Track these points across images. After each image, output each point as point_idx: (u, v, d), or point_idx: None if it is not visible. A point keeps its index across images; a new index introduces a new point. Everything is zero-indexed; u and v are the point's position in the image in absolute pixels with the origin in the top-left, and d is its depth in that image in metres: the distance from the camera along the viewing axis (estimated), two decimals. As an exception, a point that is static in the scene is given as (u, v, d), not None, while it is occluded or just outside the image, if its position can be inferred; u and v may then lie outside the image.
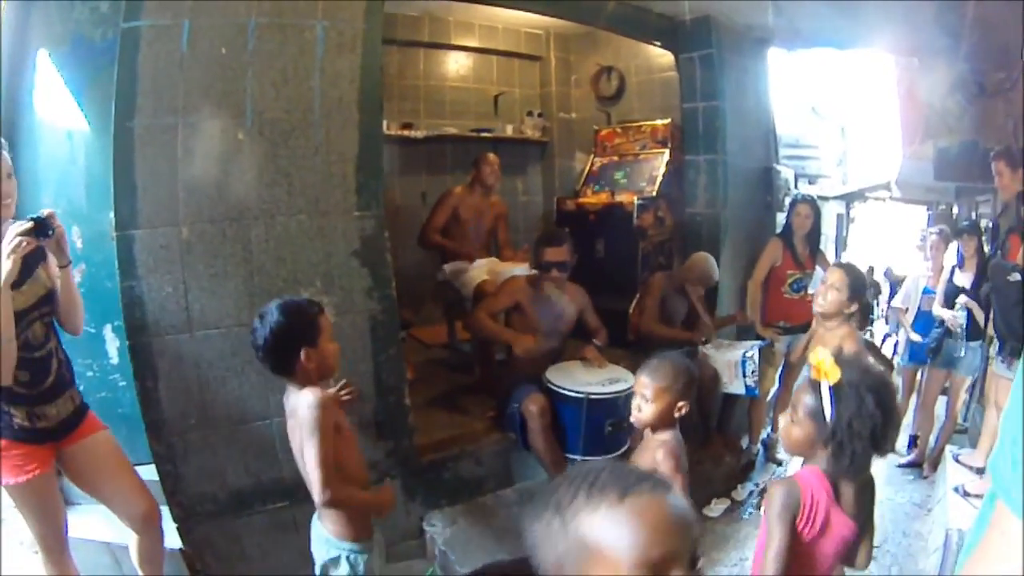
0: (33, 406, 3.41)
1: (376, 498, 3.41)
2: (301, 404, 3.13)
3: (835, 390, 2.68)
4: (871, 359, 2.98)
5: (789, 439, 2.92)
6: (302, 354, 3.18)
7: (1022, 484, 0.98)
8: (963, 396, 7.26)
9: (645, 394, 3.56)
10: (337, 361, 3.41)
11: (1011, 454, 1.02)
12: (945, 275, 7.31)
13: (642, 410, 3.58)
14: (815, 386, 2.75)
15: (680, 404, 3.56)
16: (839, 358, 2.73)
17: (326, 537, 3.34)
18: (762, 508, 2.89)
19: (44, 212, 3.31)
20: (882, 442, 2.69)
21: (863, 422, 2.62)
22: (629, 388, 5.07)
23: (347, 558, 3.32)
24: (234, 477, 4.39)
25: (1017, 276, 5.19)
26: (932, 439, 7.38)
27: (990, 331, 6.21)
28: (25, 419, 3.39)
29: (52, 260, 3.49)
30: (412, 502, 5.09)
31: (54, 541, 3.61)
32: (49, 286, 3.49)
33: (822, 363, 2.71)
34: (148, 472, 4.24)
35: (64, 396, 3.54)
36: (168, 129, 4.06)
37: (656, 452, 3.55)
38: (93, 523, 4.22)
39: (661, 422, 3.58)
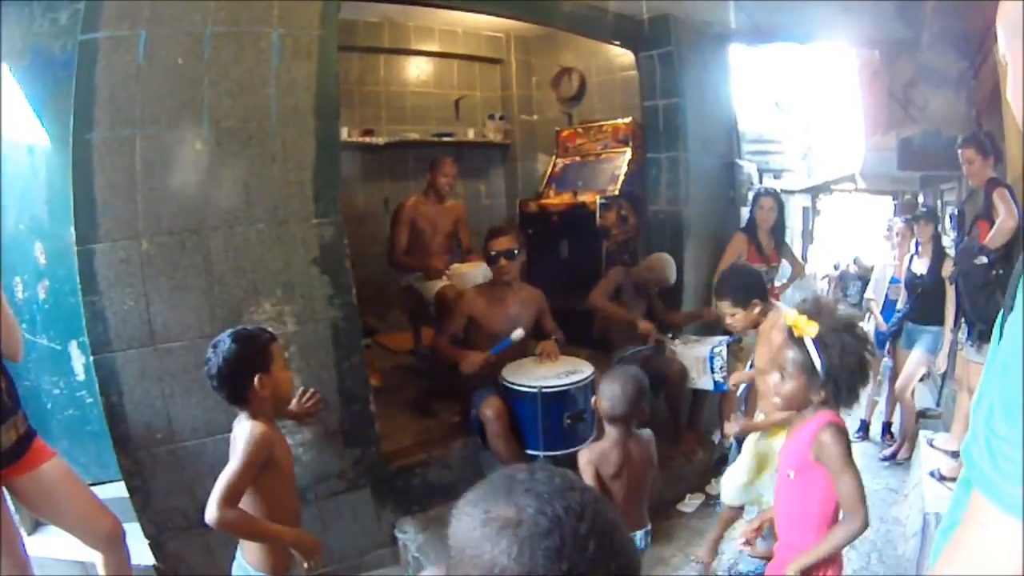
0: None
1: (289, 533, 3.33)
2: (243, 432, 3.16)
3: (818, 340, 2.87)
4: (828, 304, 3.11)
5: (783, 395, 3.04)
6: (256, 381, 3.21)
7: (996, 471, 0.99)
8: (918, 375, 7.29)
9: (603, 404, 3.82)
10: (291, 390, 3.45)
11: (985, 442, 1.02)
12: (907, 262, 7.37)
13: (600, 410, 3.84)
14: (798, 342, 2.93)
15: (644, 412, 3.82)
16: (807, 312, 2.89)
17: (242, 563, 3.34)
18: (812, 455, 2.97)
19: None
20: (866, 370, 2.95)
21: (849, 357, 2.87)
22: (585, 379, 5.16)
23: None
24: (203, 491, 4.29)
25: (984, 260, 5.23)
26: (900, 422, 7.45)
27: (951, 316, 6.26)
28: None
29: None
30: (383, 509, 5.08)
31: (13, 568, 3.54)
32: None
33: (797, 322, 2.92)
34: (118, 489, 4.22)
35: (6, 424, 3.41)
36: (126, 141, 4.03)
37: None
38: (65, 544, 4.17)
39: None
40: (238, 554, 3.38)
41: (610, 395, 3.78)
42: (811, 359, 2.89)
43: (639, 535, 3.91)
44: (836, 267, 16.57)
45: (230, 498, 3.07)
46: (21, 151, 4.61)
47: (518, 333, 5.44)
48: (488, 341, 5.57)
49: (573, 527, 1.18)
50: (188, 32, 4.14)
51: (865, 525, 2.92)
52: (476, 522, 1.23)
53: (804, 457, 2.97)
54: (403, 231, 7.29)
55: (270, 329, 3.54)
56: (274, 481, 3.28)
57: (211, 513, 3.06)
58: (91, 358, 4.08)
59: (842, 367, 2.85)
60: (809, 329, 2.85)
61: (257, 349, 3.25)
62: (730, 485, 4.64)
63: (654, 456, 3.98)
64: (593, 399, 4.00)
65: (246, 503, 3.18)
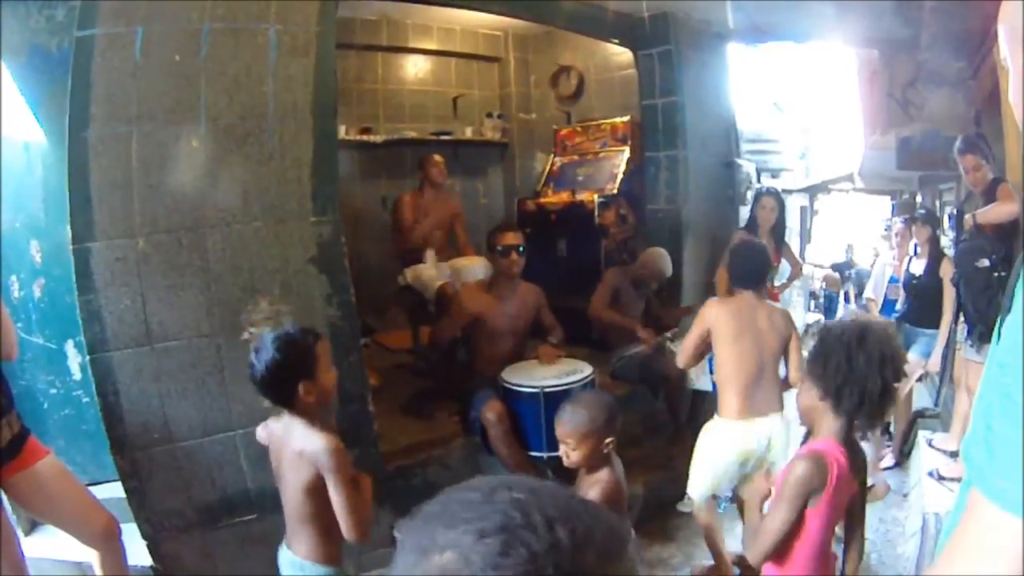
0: None
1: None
2: (316, 448, 3.13)
3: (821, 344, 2.84)
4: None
5: (802, 410, 3.01)
6: (300, 388, 3.17)
7: (995, 470, 0.97)
8: (914, 378, 7.28)
9: (568, 443, 3.57)
10: (334, 388, 3.41)
11: (984, 440, 1.00)
12: (906, 263, 7.37)
13: (570, 456, 3.58)
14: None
15: (607, 441, 3.57)
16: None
17: (299, 562, 3.33)
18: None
19: None
20: (885, 377, 2.75)
21: (854, 364, 2.73)
22: (586, 378, 5.17)
23: None
24: (200, 491, 4.34)
25: (986, 262, 5.22)
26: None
27: (948, 317, 6.25)
28: None
29: None
30: (382, 510, 5.03)
31: (9, 568, 3.53)
32: None
33: None
34: (115, 489, 4.20)
35: (1, 423, 3.42)
36: (122, 138, 4.01)
37: (588, 492, 3.54)
38: (63, 544, 4.14)
39: (592, 462, 3.59)
40: (285, 552, 3.39)
41: (572, 420, 3.59)
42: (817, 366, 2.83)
43: None
44: (833, 267, 16.60)
45: (361, 515, 3.18)
46: (17, 148, 4.58)
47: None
48: (488, 337, 5.59)
49: (527, 526, 1.00)
50: (185, 29, 4.12)
51: (754, 564, 2.91)
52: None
53: (781, 478, 2.92)
54: (408, 214, 7.39)
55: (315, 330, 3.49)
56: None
57: (358, 535, 3.16)
58: (87, 357, 4.06)
59: (847, 373, 2.74)
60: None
61: (301, 356, 3.19)
62: (701, 477, 4.71)
63: (619, 494, 3.67)
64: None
65: (319, 512, 3.22)
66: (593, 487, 3.53)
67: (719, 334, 4.51)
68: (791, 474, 2.79)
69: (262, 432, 3.41)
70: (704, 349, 4.66)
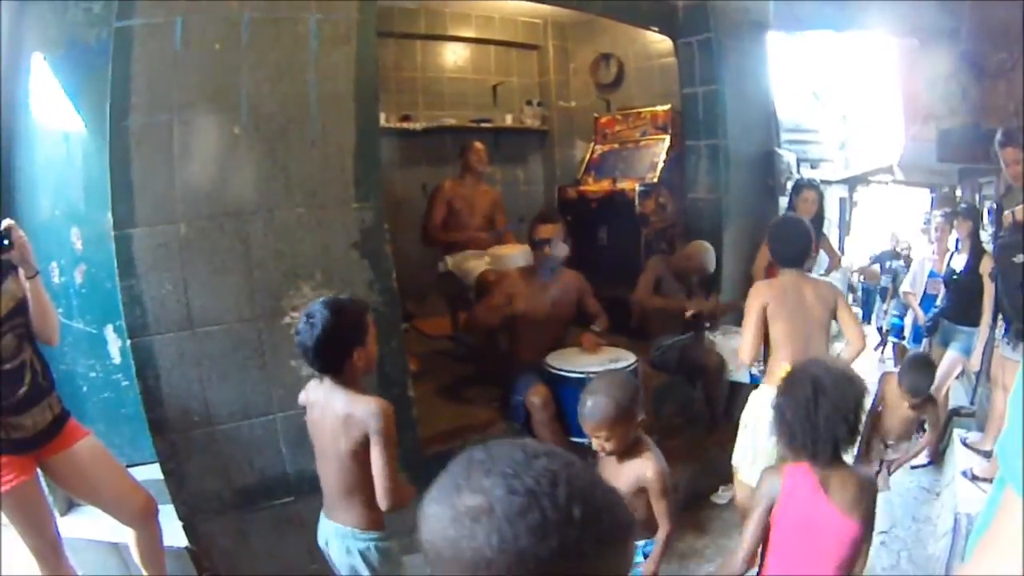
0: (6, 417, 3.37)
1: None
2: (367, 412, 3.18)
3: (779, 407, 2.95)
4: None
5: (779, 447, 3.08)
6: (354, 354, 3.23)
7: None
8: (953, 375, 7.22)
9: (600, 435, 3.57)
10: (376, 349, 3.47)
11: (1019, 438, 1.00)
12: (947, 258, 7.32)
13: (606, 448, 3.58)
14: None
15: (638, 421, 3.59)
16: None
17: (348, 531, 3.37)
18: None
19: (3, 224, 3.28)
20: (848, 422, 2.84)
21: (815, 422, 2.82)
22: (631, 365, 5.18)
23: (377, 547, 3.38)
24: (238, 474, 4.38)
25: (1022, 257, 5.15)
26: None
27: (988, 315, 6.20)
28: None
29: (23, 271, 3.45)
30: (418, 494, 5.07)
31: (46, 548, 3.58)
32: (20, 297, 3.45)
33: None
34: (153, 471, 4.24)
35: (40, 405, 3.49)
36: (163, 127, 4.04)
37: (645, 470, 3.55)
38: (98, 525, 4.19)
39: (629, 445, 3.61)
40: (327, 523, 3.45)
41: (597, 412, 3.56)
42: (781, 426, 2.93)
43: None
44: (872, 258, 16.43)
45: (396, 483, 3.22)
46: (57, 139, 4.62)
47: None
48: (529, 324, 5.59)
49: (551, 496, 1.10)
50: (225, 18, 4.15)
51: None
52: (445, 521, 1.13)
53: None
54: (440, 208, 7.41)
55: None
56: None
57: (388, 502, 3.21)
58: (128, 342, 4.11)
59: (794, 418, 2.85)
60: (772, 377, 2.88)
61: (355, 321, 3.26)
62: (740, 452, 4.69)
63: (653, 478, 3.64)
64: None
65: (364, 479, 3.28)
66: (646, 466, 3.55)
67: (770, 313, 4.48)
68: (757, 488, 2.94)
69: (303, 397, 3.46)
70: (765, 332, 4.58)
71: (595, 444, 3.62)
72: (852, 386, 2.88)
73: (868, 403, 3.04)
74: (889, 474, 5.29)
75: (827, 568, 2.89)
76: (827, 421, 2.79)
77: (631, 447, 3.61)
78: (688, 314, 6.56)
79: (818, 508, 2.86)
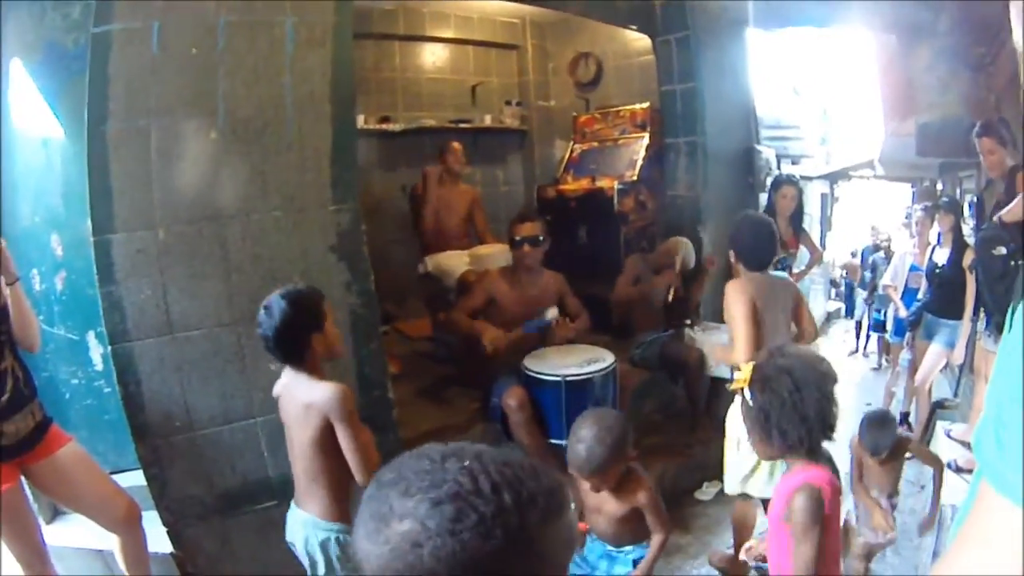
0: None
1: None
2: (326, 396, 3.22)
3: (752, 390, 2.82)
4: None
5: (759, 452, 2.98)
6: (312, 340, 3.29)
7: (1005, 462, 0.97)
8: (937, 369, 7.26)
9: (592, 482, 3.61)
10: (342, 343, 3.57)
11: (993, 430, 1.00)
12: (929, 252, 7.35)
13: (600, 489, 3.65)
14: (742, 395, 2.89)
15: (630, 458, 3.64)
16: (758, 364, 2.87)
17: (312, 520, 3.40)
18: (783, 516, 2.89)
19: None
20: (815, 415, 2.75)
21: (786, 402, 2.74)
22: (608, 367, 5.17)
23: (337, 539, 3.39)
24: (221, 479, 4.38)
25: (1003, 250, 5.18)
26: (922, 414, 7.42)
27: (970, 308, 6.23)
28: None
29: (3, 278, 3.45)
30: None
31: (31, 555, 3.58)
32: (0, 304, 3.45)
33: (738, 377, 2.88)
34: (136, 477, 4.24)
35: (22, 412, 3.49)
36: (141, 132, 4.04)
37: (637, 496, 3.63)
38: (83, 532, 4.20)
39: (620, 481, 3.66)
40: (296, 512, 3.49)
41: (589, 462, 3.56)
42: (752, 411, 2.85)
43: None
44: (854, 254, 16.45)
45: (369, 459, 3.29)
46: (36, 144, 4.61)
47: (552, 312, 5.49)
48: (508, 324, 5.57)
49: (476, 492, 1.10)
50: (201, 22, 4.14)
51: None
52: (386, 555, 1.11)
53: (780, 513, 2.91)
54: (427, 195, 7.60)
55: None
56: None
57: (365, 479, 3.24)
58: (109, 348, 4.10)
59: (782, 415, 2.76)
60: (742, 381, 2.82)
61: (311, 308, 3.31)
62: (732, 472, 4.65)
63: (646, 502, 3.71)
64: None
65: (329, 468, 3.35)
66: (638, 491, 3.62)
67: (760, 309, 4.41)
68: (796, 514, 2.79)
69: (276, 388, 3.50)
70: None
71: (590, 486, 3.64)
72: (824, 365, 2.86)
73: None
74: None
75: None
76: (817, 408, 2.74)
77: (624, 481, 3.64)
78: (670, 296, 6.58)
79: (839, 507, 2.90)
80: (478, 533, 1.06)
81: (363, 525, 1.15)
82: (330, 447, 3.26)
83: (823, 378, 2.80)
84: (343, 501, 3.38)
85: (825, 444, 2.85)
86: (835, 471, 2.97)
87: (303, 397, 3.28)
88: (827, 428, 2.80)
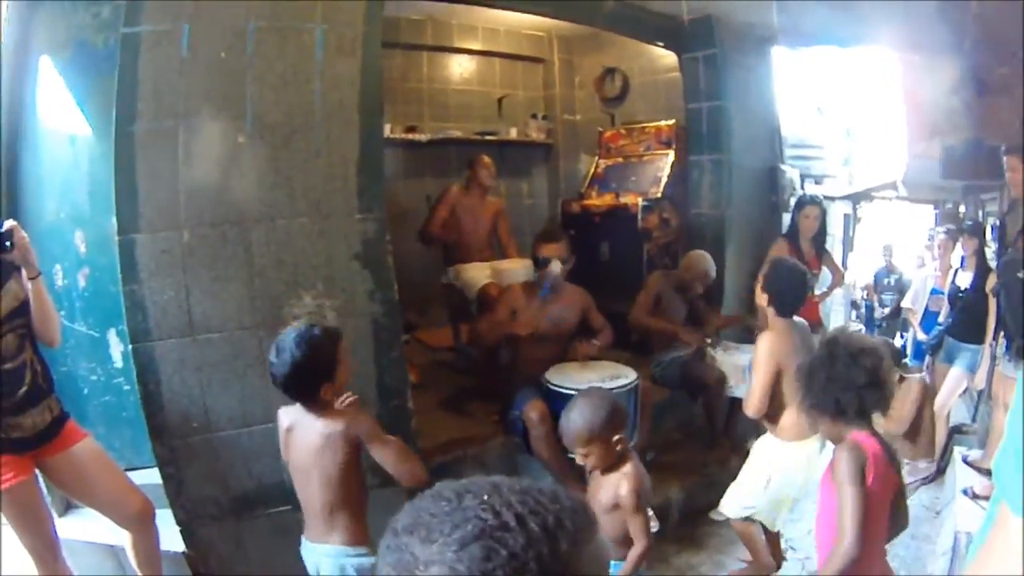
0: (5, 417, 3.39)
1: None
2: (351, 422, 3.26)
3: (803, 374, 3.13)
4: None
5: (812, 420, 3.21)
6: (321, 388, 3.24)
7: (1021, 485, 0.97)
8: (956, 393, 7.21)
9: (578, 451, 3.60)
10: (349, 377, 3.49)
11: (1014, 456, 1.00)
12: (951, 275, 7.31)
13: (586, 463, 3.61)
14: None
15: (616, 439, 3.56)
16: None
17: (338, 550, 3.38)
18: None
19: (5, 225, 3.30)
20: (870, 387, 2.98)
21: (835, 375, 3.00)
22: (631, 383, 5.15)
23: (364, 564, 3.38)
24: (236, 481, 4.39)
25: (1024, 274, 5.14)
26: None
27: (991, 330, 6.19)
28: None
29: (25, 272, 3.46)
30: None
31: (43, 548, 3.59)
32: (22, 298, 3.48)
33: None
34: (152, 475, 4.25)
35: (40, 406, 3.52)
36: (169, 133, 4.07)
37: (619, 486, 3.55)
38: (95, 527, 4.20)
39: (609, 461, 3.61)
40: (317, 547, 3.45)
41: (570, 430, 3.60)
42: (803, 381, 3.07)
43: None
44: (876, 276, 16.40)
45: (412, 459, 3.37)
46: (63, 141, 4.63)
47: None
48: (530, 339, 5.55)
49: (501, 526, 1.02)
50: (231, 26, 4.17)
51: (853, 549, 2.83)
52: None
53: (828, 475, 3.04)
54: (444, 209, 7.44)
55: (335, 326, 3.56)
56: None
57: (414, 478, 3.32)
58: (129, 346, 4.12)
59: (834, 393, 2.96)
60: None
61: (323, 356, 3.25)
62: (732, 497, 4.72)
63: (626, 495, 3.59)
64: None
65: (352, 494, 3.38)
66: (623, 481, 3.54)
67: (785, 366, 4.39)
68: (840, 465, 2.90)
69: (280, 420, 3.47)
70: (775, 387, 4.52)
71: (577, 459, 3.65)
72: (870, 342, 3.12)
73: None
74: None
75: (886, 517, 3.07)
76: (867, 378, 2.94)
77: (614, 464, 3.62)
78: (688, 341, 6.55)
79: (889, 465, 3.00)
80: (512, 569, 0.99)
81: (382, 564, 1.09)
82: (354, 472, 3.30)
83: (871, 350, 3.01)
84: (365, 523, 3.39)
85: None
86: (891, 452, 3.06)
87: (322, 428, 3.26)
88: (878, 400, 2.99)
